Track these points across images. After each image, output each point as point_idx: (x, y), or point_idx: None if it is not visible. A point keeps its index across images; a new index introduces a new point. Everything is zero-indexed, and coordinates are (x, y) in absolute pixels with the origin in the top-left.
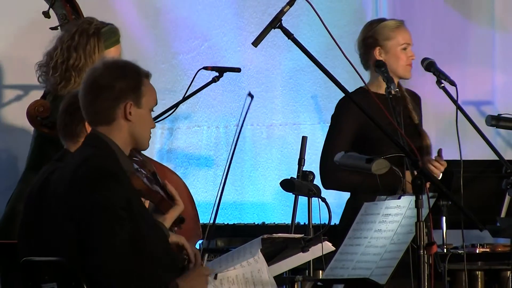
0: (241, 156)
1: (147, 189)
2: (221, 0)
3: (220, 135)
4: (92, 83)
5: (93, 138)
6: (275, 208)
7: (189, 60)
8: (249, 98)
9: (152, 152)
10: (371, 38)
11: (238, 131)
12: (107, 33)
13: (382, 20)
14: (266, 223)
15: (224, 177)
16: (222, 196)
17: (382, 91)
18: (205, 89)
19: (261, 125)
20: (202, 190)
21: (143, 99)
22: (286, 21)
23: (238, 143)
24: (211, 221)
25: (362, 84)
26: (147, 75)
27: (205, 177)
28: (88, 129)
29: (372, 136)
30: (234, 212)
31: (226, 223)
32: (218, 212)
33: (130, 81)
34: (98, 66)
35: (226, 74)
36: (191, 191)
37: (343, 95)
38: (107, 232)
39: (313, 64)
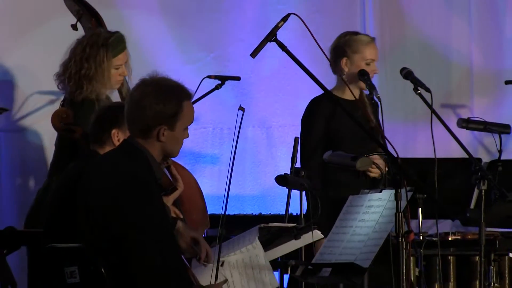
0: (243, 155)
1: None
2: (225, 15)
3: (224, 136)
4: (138, 99)
5: (131, 147)
6: (273, 200)
7: (196, 70)
8: (240, 112)
9: None
10: (341, 48)
11: (235, 140)
12: (114, 43)
13: (356, 33)
14: (262, 213)
15: (229, 173)
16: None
17: (345, 96)
18: (212, 94)
19: (261, 126)
20: (208, 184)
21: (178, 123)
22: (283, 34)
23: (239, 143)
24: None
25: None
26: (188, 97)
27: (211, 173)
28: (114, 137)
29: (339, 135)
30: (237, 204)
31: (227, 214)
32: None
33: (170, 108)
34: (148, 83)
35: (230, 82)
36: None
37: None
38: (146, 250)
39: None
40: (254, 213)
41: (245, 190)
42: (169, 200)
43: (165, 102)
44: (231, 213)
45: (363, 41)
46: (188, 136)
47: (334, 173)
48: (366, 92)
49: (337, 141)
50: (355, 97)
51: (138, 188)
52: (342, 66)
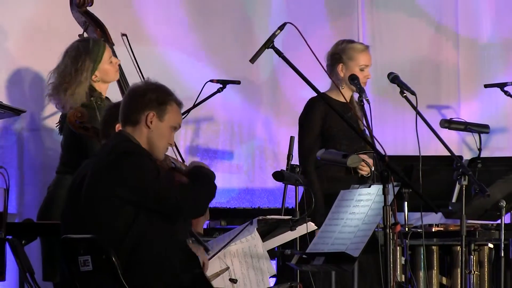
0: (252, 150)
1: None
2: (231, 20)
3: (234, 133)
4: (131, 90)
5: (120, 135)
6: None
7: (200, 73)
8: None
9: (178, 148)
10: (337, 55)
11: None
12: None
13: (351, 41)
14: (261, 207)
15: None
16: (238, 183)
17: (338, 98)
18: (220, 95)
19: (271, 124)
20: (220, 178)
21: (166, 115)
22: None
23: (252, 138)
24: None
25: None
26: (178, 102)
27: (222, 168)
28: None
29: (331, 133)
30: (247, 196)
31: (228, 207)
32: (235, 196)
33: (159, 96)
34: (140, 83)
35: (240, 86)
36: None
37: None
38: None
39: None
40: (253, 207)
41: (255, 184)
42: None
43: (157, 92)
44: (242, 206)
45: (357, 49)
46: (173, 141)
47: (329, 170)
48: (355, 95)
49: (330, 138)
50: (345, 99)
51: (135, 157)
52: (338, 71)
